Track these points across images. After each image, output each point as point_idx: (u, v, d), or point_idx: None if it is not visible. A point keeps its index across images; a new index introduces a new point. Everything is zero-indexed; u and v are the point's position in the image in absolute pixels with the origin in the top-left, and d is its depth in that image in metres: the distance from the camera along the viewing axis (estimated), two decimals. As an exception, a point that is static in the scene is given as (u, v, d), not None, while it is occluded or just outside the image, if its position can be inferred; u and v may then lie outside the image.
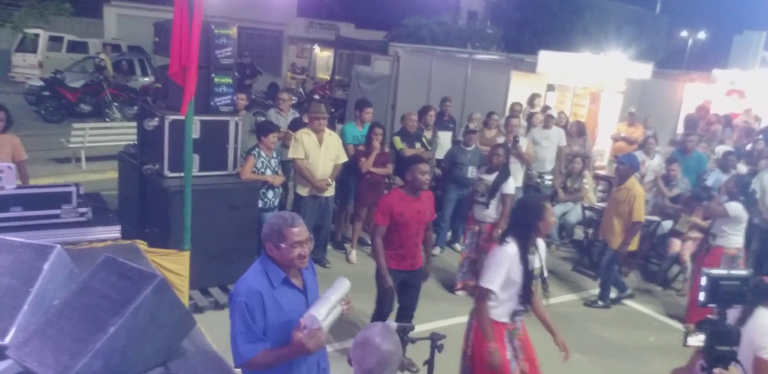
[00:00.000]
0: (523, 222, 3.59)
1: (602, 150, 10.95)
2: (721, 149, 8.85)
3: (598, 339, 5.70)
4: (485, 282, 3.53)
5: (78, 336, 2.91)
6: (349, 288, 2.69)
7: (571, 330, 5.80)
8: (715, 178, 7.36)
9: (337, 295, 2.60)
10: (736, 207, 5.69)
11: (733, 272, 2.36)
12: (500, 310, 3.56)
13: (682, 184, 7.02)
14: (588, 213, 7.75)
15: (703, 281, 2.34)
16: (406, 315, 4.85)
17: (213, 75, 5.57)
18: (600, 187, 8.88)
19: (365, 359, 2.08)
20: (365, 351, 2.09)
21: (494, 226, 6.07)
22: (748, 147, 9.43)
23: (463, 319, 5.72)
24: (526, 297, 3.57)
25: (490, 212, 6.09)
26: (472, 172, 7.11)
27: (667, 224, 7.25)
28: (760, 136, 10.42)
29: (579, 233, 8.10)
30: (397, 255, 4.71)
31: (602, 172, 9.63)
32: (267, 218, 3.11)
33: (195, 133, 5.36)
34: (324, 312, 2.51)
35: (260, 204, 5.95)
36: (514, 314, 3.62)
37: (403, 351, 2.22)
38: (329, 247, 7.04)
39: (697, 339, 2.33)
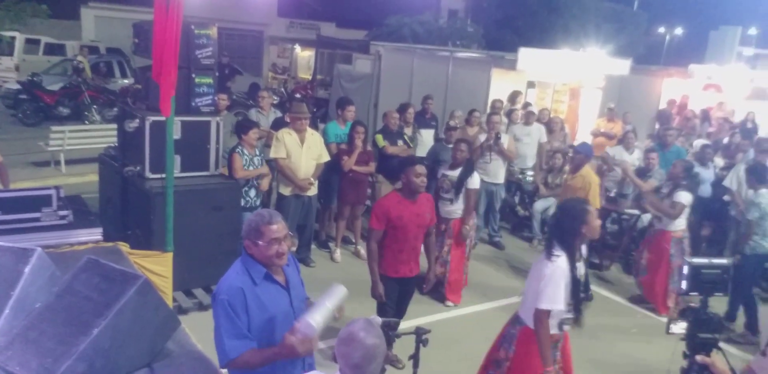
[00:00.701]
0: (567, 229, 3.38)
1: (583, 145, 11.04)
2: (698, 143, 8.99)
3: (586, 334, 5.74)
4: (548, 303, 3.28)
5: (61, 338, 2.89)
6: (346, 296, 2.68)
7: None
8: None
9: (333, 303, 2.59)
10: (687, 197, 5.85)
11: (715, 261, 2.41)
12: (550, 322, 3.40)
13: (658, 174, 7.11)
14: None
15: (685, 270, 2.40)
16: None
17: (193, 75, 5.54)
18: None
19: (350, 354, 2.08)
20: (350, 346, 2.08)
21: (461, 222, 6.00)
22: (725, 140, 9.58)
23: (446, 315, 5.80)
24: (576, 305, 3.40)
25: (456, 208, 5.97)
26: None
27: (647, 217, 7.34)
28: (737, 130, 10.60)
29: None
30: (395, 261, 4.48)
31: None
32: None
33: (176, 133, 5.34)
34: (320, 319, 2.50)
35: (242, 202, 5.93)
36: (562, 323, 3.47)
37: (388, 346, 2.23)
38: (313, 246, 7.04)
39: (680, 327, 2.38)
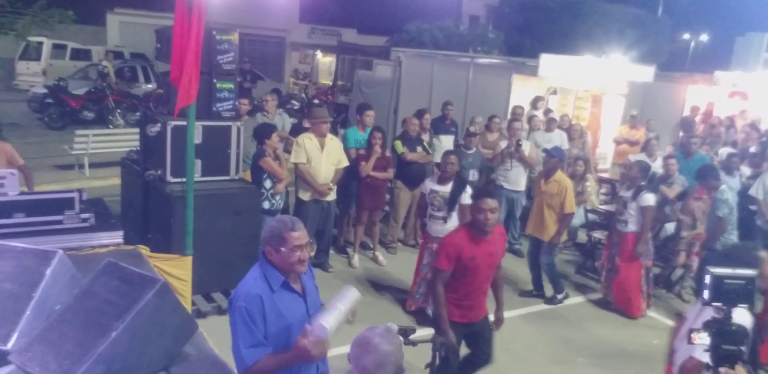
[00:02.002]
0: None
1: (605, 153, 10.94)
2: (724, 151, 8.84)
3: (602, 342, 5.67)
4: None
5: (80, 340, 2.91)
6: (359, 298, 2.67)
7: (575, 333, 5.80)
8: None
9: (346, 305, 2.58)
10: (652, 199, 5.91)
11: (739, 271, 2.36)
12: None
13: (680, 181, 6.99)
14: (591, 216, 7.72)
15: (707, 279, 2.34)
16: (477, 369, 4.26)
17: (215, 80, 5.59)
18: (603, 190, 8.87)
19: (362, 357, 2.12)
20: (363, 349, 2.13)
21: None
22: (752, 148, 9.41)
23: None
24: None
25: (450, 226, 5.33)
26: (473, 175, 7.12)
27: (670, 226, 7.23)
28: (764, 138, 10.41)
29: (582, 236, 8.07)
30: (462, 305, 3.99)
31: (605, 175, 9.62)
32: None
33: (197, 138, 5.38)
34: (333, 322, 2.50)
35: (267, 205, 5.98)
36: None
37: (402, 355, 2.22)
38: (331, 252, 7.03)
39: (701, 338, 2.33)
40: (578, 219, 7.75)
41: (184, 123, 4.82)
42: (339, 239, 7.43)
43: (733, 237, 5.80)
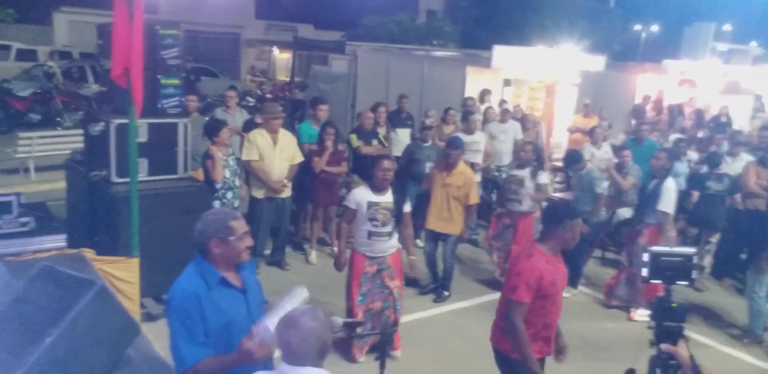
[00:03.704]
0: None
1: (559, 142, 11.07)
2: (673, 137, 9.04)
3: (581, 337, 5.64)
4: None
5: (13, 349, 2.80)
6: (307, 298, 2.61)
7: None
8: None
9: (293, 305, 2.52)
10: (546, 177, 6.37)
11: (676, 249, 2.39)
12: None
13: (634, 171, 7.11)
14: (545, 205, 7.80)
15: (645, 257, 2.38)
16: None
17: (159, 76, 5.43)
18: (557, 179, 8.97)
19: (286, 332, 2.16)
20: (286, 325, 2.17)
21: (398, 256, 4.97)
22: (700, 134, 9.64)
23: (420, 315, 5.70)
24: None
25: (394, 242, 4.90)
26: (429, 167, 7.10)
27: (624, 212, 7.34)
28: (712, 124, 10.69)
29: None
30: (542, 338, 3.47)
31: (559, 164, 9.73)
32: None
33: (142, 136, 5.24)
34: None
35: (218, 204, 5.86)
36: None
37: (347, 344, 2.23)
38: (288, 249, 6.94)
39: (642, 315, 2.36)
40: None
41: (127, 121, 4.67)
42: (296, 236, 7.34)
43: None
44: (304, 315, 2.19)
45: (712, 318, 6.02)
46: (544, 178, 6.19)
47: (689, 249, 2.41)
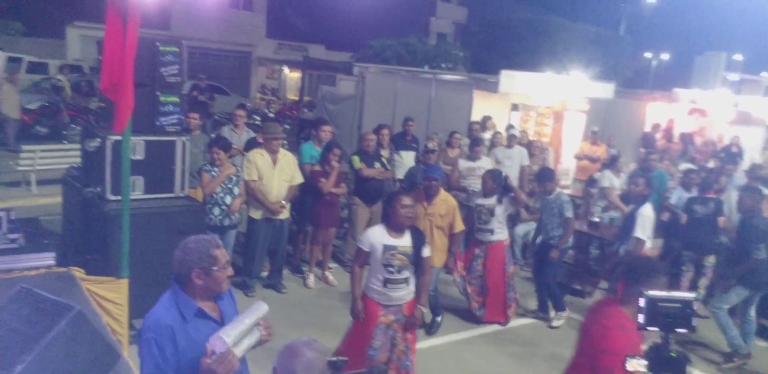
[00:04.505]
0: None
1: (567, 169, 10.95)
2: (683, 167, 8.89)
3: (561, 360, 5.52)
4: None
5: (-19, 376, 2.66)
6: (266, 311, 2.54)
7: (537, 355, 5.64)
8: (678, 195, 7.33)
9: (251, 318, 2.44)
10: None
11: (675, 294, 2.25)
12: None
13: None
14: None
15: (642, 302, 2.24)
16: None
17: (158, 93, 5.36)
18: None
19: (290, 360, 2.15)
20: (290, 353, 2.17)
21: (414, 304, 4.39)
22: (711, 164, 9.51)
23: (418, 345, 5.50)
24: None
25: (412, 288, 4.36)
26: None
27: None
28: (723, 154, 10.55)
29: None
30: None
31: (567, 191, 9.58)
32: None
33: (139, 154, 5.15)
34: (234, 334, 2.33)
35: (227, 222, 5.88)
36: None
37: (326, 365, 2.23)
38: (286, 272, 6.79)
39: (638, 364, 2.21)
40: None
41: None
42: (294, 258, 7.19)
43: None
44: (305, 345, 2.20)
45: (711, 348, 5.94)
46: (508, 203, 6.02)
47: (688, 295, 2.27)
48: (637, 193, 6.04)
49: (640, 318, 2.23)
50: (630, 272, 3.02)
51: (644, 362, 2.22)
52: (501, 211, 5.98)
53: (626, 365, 2.23)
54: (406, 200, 4.18)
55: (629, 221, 5.93)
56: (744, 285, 5.65)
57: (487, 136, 9.31)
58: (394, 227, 4.22)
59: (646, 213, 5.78)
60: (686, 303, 2.22)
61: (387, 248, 4.17)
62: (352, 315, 4.35)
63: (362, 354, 4.17)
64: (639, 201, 5.97)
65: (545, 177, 6.37)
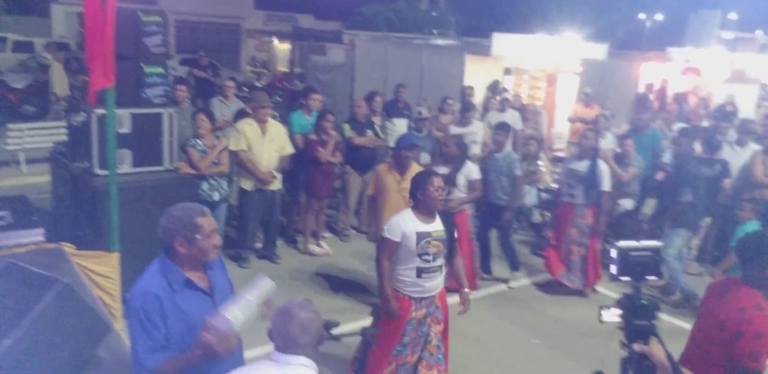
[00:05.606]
0: None
1: (561, 132, 10.88)
2: (677, 127, 8.82)
3: (558, 323, 5.58)
4: None
5: (-29, 351, 2.65)
6: (273, 289, 2.46)
7: (529, 316, 5.70)
8: (671, 155, 7.28)
9: (256, 296, 2.36)
10: (476, 170, 5.85)
11: (644, 242, 2.31)
12: None
13: (636, 161, 6.92)
14: (544, 195, 7.63)
15: (614, 253, 2.29)
16: None
17: (143, 65, 5.26)
18: (558, 169, 8.77)
19: (285, 323, 2.15)
20: (285, 316, 2.17)
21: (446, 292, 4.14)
22: (704, 123, 9.43)
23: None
24: None
25: (442, 279, 4.03)
26: (424, 158, 6.92)
27: (626, 203, 7.16)
28: (715, 114, 10.47)
29: (537, 216, 7.99)
30: None
31: (561, 154, 9.54)
32: None
33: (126, 127, 5.08)
34: (239, 314, 2.27)
35: (216, 196, 5.82)
36: None
37: (321, 325, 2.26)
38: (281, 243, 6.79)
39: (612, 314, 2.27)
40: (532, 199, 7.67)
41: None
42: (288, 229, 7.17)
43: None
44: (299, 306, 2.20)
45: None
46: (474, 173, 5.66)
47: (656, 243, 2.33)
48: (588, 146, 6.03)
49: (613, 269, 2.30)
50: (746, 251, 2.82)
51: (618, 311, 2.26)
52: (463, 181, 5.68)
53: (601, 316, 2.27)
54: (438, 181, 3.83)
55: (590, 176, 5.88)
56: (681, 226, 6.04)
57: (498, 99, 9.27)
58: (426, 211, 3.83)
59: (604, 167, 5.98)
60: (655, 251, 2.30)
61: (421, 235, 3.77)
62: (387, 316, 3.85)
63: (389, 351, 3.85)
64: (591, 155, 6.01)
65: (502, 128, 6.47)
